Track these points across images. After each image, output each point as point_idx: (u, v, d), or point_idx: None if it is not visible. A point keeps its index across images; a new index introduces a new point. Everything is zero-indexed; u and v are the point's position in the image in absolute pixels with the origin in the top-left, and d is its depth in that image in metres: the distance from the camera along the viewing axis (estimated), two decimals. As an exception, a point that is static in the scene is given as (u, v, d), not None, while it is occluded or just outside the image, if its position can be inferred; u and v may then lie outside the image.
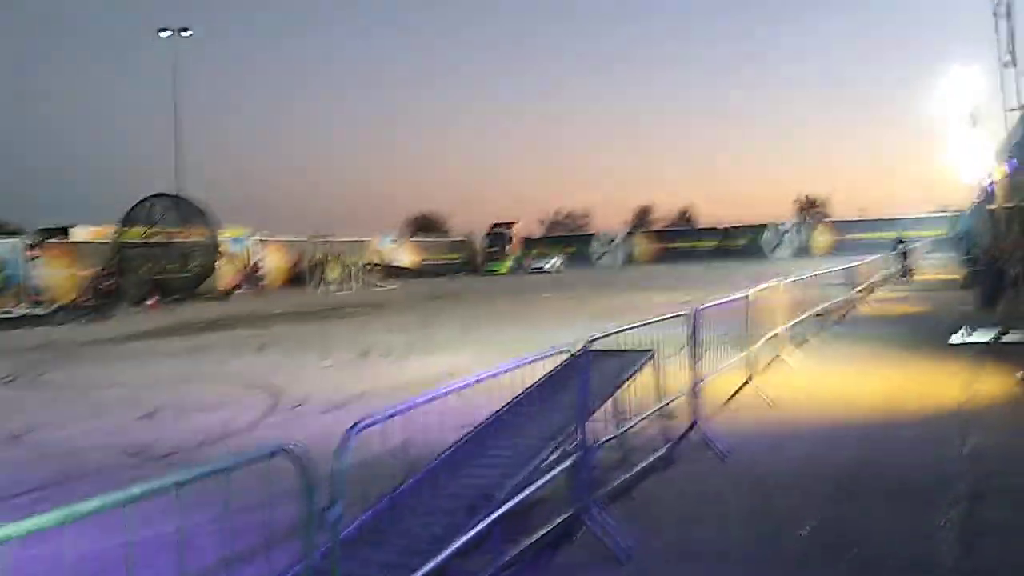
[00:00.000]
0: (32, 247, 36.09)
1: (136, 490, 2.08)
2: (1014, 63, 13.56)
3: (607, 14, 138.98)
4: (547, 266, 60.53)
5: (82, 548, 4.51)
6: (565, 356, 5.15)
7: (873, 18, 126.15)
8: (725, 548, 4.85)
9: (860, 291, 20.60)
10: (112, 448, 8.34)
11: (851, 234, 69.38)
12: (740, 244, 74.19)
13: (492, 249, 63.99)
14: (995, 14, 14.04)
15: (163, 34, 48.36)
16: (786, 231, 74.22)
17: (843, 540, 4.85)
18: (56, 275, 36.35)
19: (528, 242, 77.62)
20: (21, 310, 31.13)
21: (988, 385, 9.51)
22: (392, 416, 3.23)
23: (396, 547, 3.58)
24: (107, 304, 33.52)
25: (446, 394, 3.77)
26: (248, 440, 8.48)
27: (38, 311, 30.39)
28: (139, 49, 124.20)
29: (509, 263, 62.04)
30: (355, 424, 2.99)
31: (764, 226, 74.71)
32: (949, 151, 29.06)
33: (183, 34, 48.46)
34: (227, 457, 2.45)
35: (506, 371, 4.30)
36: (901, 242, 32.00)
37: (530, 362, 4.72)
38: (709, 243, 75.81)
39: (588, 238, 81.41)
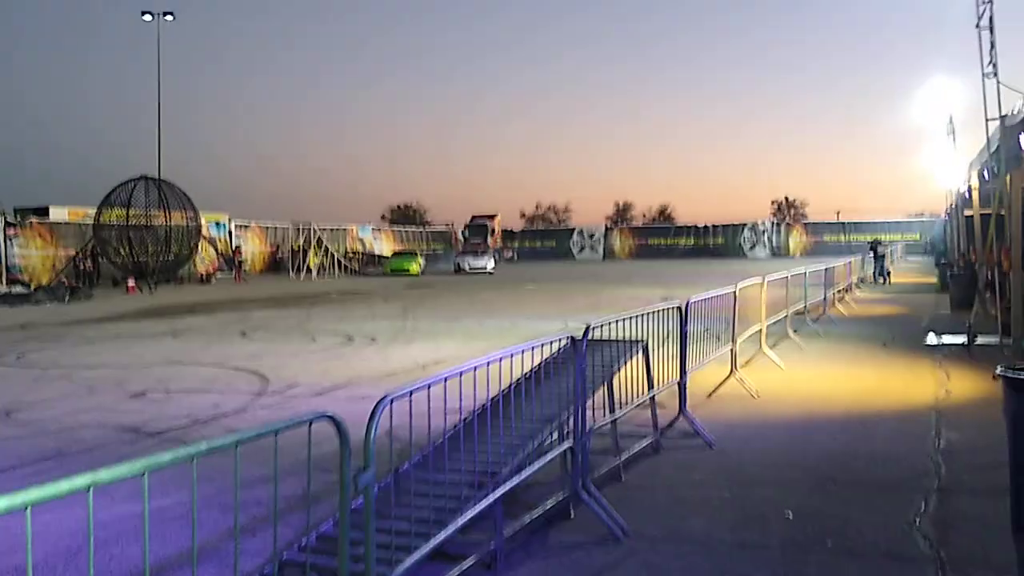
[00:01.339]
0: (10, 226, 35.79)
1: (203, 445, 2.23)
2: (995, 74, 13.95)
3: (604, 15, 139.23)
4: (490, 266, 49.21)
5: (116, 511, 4.64)
6: (563, 343, 5.33)
7: (857, 27, 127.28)
8: (713, 533, 5.05)
9: (838, 291, 20.96)
10: (105, 426, 8.43)
11: (827, 236, 70.46)
12: (718, 243, 74.93)
13: (473, 241, 63.71)
14: (978, 27, 14.45)
15: (146, 18, 47.90)
16: (764, 231, 74.94)
17: (822, 529, 5.06)
18: (35, 255, 36.10)
19: (508, 235, 77.95)
20: (1, 289, 30.91)
21: (962, 384, 9.82)
22: (416, 391, 3.41)
23: (405, 520, 3.75)
24: (87, 285, 33.36)
25: (462, 373, 3.95)
26: (241, 421, 8.59)
27: (18, 290, 30.16)
28: (122, 32, 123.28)
29: (420, 261, 51.05)
30: (385, 396, 3.17)
31: (742, 226, 75.41)
32: (925, 159, 29.62)
33: (166, 18, 48.03)
34: (273, 423, 2.61)
35: (511, 355, 4.47)
36: (877, 245, 32.55)
37: (531, 348, 4.90)
38: (687, 241, 76.45)
39: (568, 233, 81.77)
